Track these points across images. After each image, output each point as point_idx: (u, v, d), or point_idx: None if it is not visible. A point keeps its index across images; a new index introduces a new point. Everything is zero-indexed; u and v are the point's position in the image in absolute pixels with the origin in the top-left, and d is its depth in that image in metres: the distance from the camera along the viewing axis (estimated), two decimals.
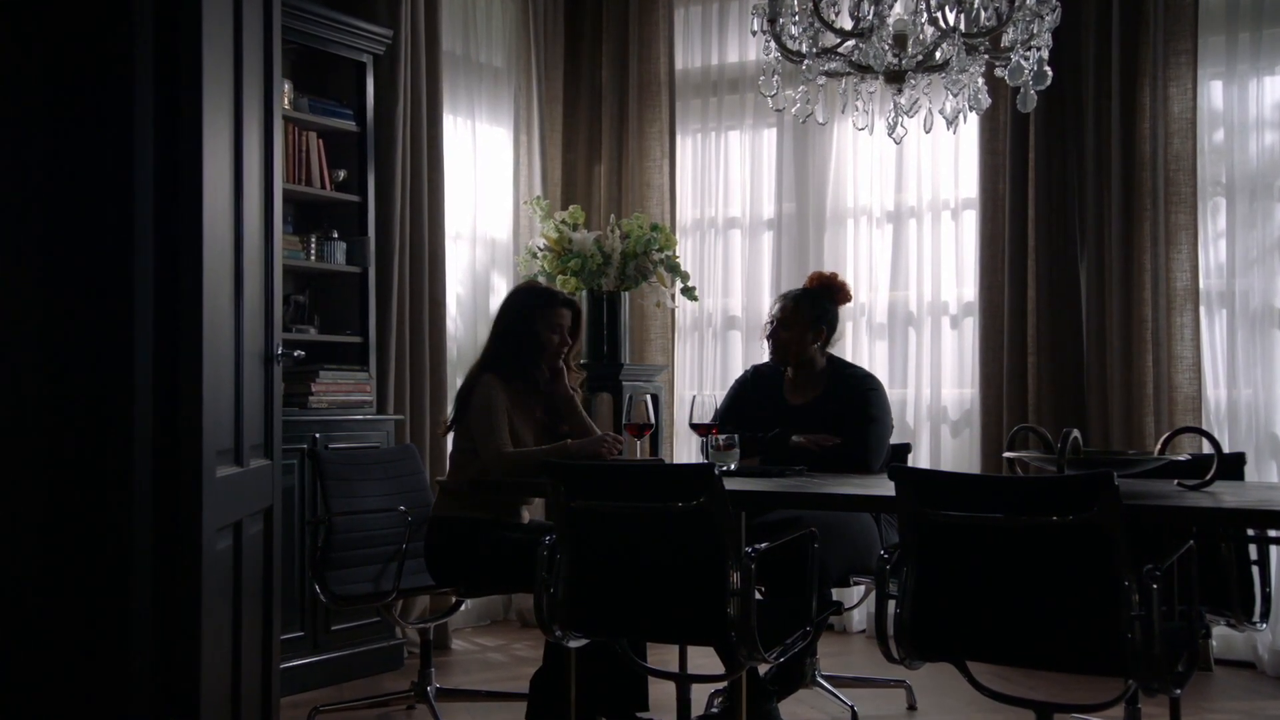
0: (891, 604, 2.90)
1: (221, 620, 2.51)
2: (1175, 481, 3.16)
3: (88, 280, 2.26)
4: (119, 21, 2.30)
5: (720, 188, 6.06)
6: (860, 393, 4.11)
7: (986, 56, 3.58)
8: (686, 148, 6.13)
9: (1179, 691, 2.68)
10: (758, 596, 3.06)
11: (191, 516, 2.28)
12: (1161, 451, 3.23)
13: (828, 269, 5.59)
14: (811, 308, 4.15)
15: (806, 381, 4.18)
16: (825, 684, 4.19)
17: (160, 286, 2.28)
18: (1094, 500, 2.61)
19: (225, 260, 2.55)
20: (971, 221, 5.51)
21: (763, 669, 3.71)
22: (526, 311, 3.91)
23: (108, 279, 2.24)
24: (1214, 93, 5.12)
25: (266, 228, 2.93)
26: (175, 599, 2.28)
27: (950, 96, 3.65)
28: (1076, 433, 3.04)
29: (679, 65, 6.09)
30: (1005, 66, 3.56)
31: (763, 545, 3.04)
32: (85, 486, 2.25)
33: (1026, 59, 3.48)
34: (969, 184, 5.52)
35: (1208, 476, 3.05)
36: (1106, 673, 2.71)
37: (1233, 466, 3.46)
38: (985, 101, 3.66)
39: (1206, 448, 4.71)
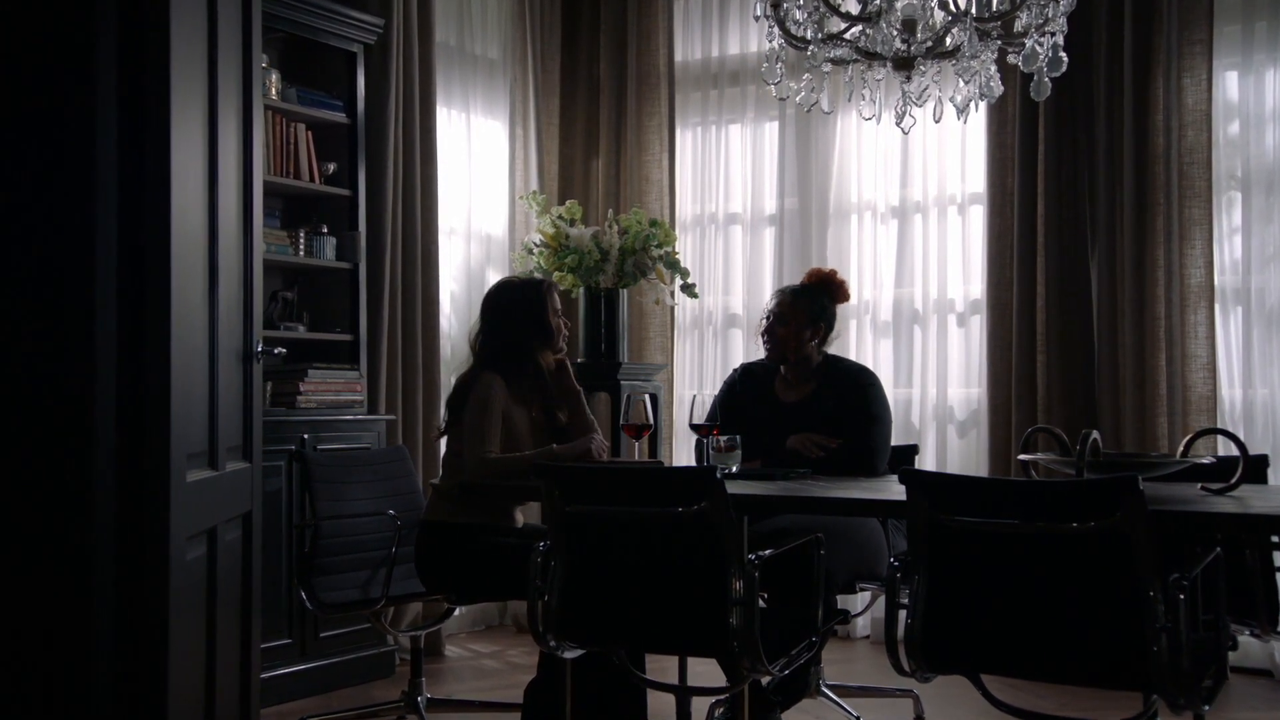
0: (901, 613, 2.77)
1: (193, 632, 2.38)
2: (1199, 485, 3.02)
3: (45, 274, 2.12)
4: (78, 8, 2.15)
5: (721, 182, 5.93)
6: (858, 390, 3.95)
7: (999, 42, 3.44)
8: (686, 141, 6.00)
9: (1207, 708, 2.54)
10: (761, 604, 2.93)
11: (158, 524, 2.14)
12: (1184, 454, 3.09)
13: (831, 265, 5.46)
14: (810, 304, 4.00)
15: (800, 378, 4.03)
16: (830, 693, 4.05)
17: (124, 280, 2.14)
18: (1117, 505, 2.47)
19: (198, 253, 2.41)
20: (979, 217, 5.38)
21: (766, 679, 3.57)
22: (533, 302, 3.79)
23: (67, 272, 2.10)
24: (1229, 84, 4.99)
25: (245, 220, 2.80)
26: (141, 612, 2.14)
27: (961, 84, 3.51)
28: (1096, 434, 2.90)
29: (678, 57, 5.97)
30: (1018, 53, 3.43)
31: (766, 552, 2.91)
32: (40, 493, 2.11)
33: (1041, 44, 3.34)
34: (976, 178, 5.39)
35: (1233, 480, 2.91)
36: (1130, 688, 2.58)
37: (1256, 469, 3.32)
38: (997, 89, 3.52)
39: (1222, 449, 4.62)
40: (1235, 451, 2.99)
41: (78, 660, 2.09)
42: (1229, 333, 4.95)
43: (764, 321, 4.04)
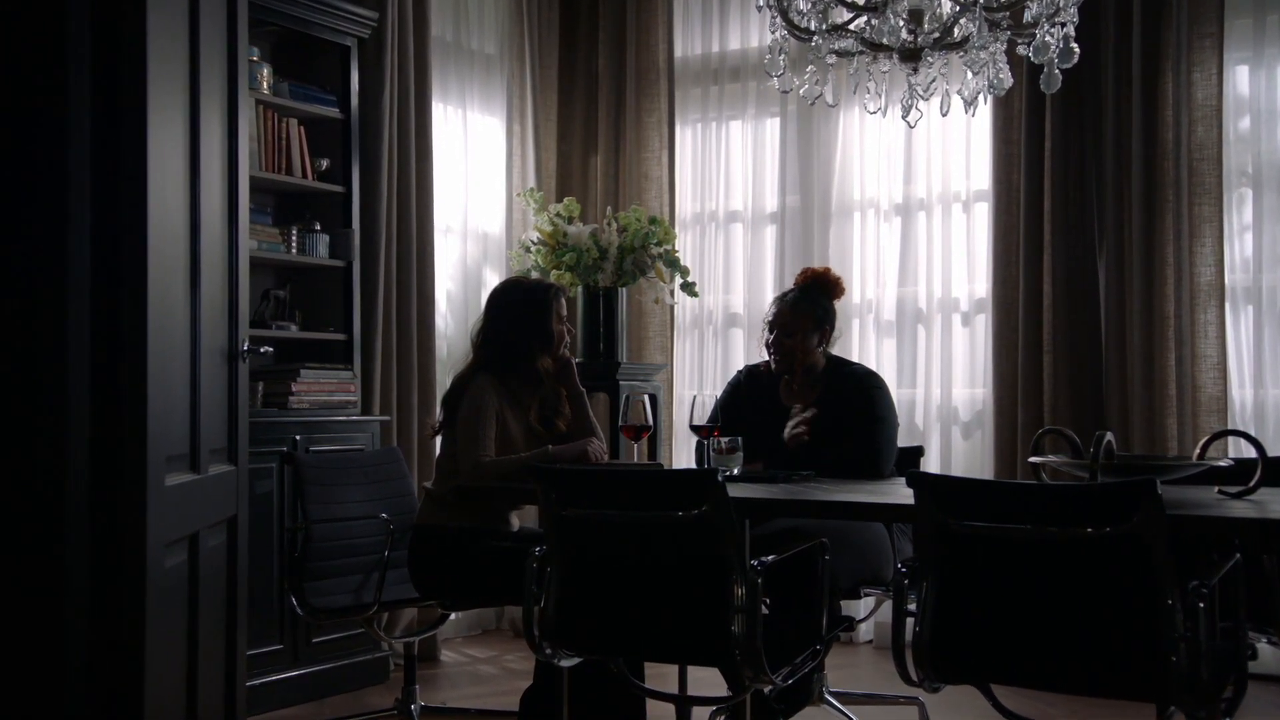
0: (909, 621, 2.67)
1: (173, 642, 2.28)
2: (1215, 489, 2.93)
3: (14, 268, 2.02)
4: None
5: (721, 180, 5.84)
6: (863, 392, 3.86)
7: (1008, 33, 3.35)
8: (686, 138, 5.91)
9: None
10: (763, 611, 2.83)
11: (135, 530, 2.04)
12: (1200, 456, 2.99)
13: (834, 263, 5.40)
14: (812, 309, 3.89)
15: (805, 383, 3.93)
16: (833, 701, 3.95)
17: (99, 275, 2.04)
18: (1134, 510, 2.38)
19: (178, 248, 2.32)
20: (984, 214, 5.28)
21: (768, 688, 3.48)
22: (537, 306, 3.69)
23: (38, 266, 2.01)
24: (1240, 78, 4.90)
25: (230, 214, 2.71)
26: (116, 621, 2.04)
27: (969, 76, 3.42)
28: (1110, 436, 2.81)
29: (678, 52, 5.88)
30: (1028, 44, 3.33)
31: (769, 558, 2.81)
32: (8, 496, 2.02)
33: (1052, 35, 3.24)
34: (981, 175, 5.30)
35: (1252, 483, 2.82)
36: (1147, 699, 2.48)
37: (1274, 472, 3.22)
38: (1007, 81, 3.43)
39: (1233, 450, 4.53)
40: (1251, 453, 2.90)
41: (49, 672, 2.00)
42: (1240, 332, 4.86)
43: (768, 333, 3.93)
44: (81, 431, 2.01)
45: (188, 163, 2.40)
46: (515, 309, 3.72)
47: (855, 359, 5.15)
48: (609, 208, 5.60)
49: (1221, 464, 2.94)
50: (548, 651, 2.97)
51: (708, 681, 3.58)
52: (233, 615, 2.68)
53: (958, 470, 5.26)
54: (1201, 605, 2.36)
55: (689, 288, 5.30)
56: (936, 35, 3.33)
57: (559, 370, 3.73)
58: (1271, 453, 4.24)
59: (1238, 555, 2.59)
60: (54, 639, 1.99)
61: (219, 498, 2.58)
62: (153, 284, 2.10)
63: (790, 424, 3.76)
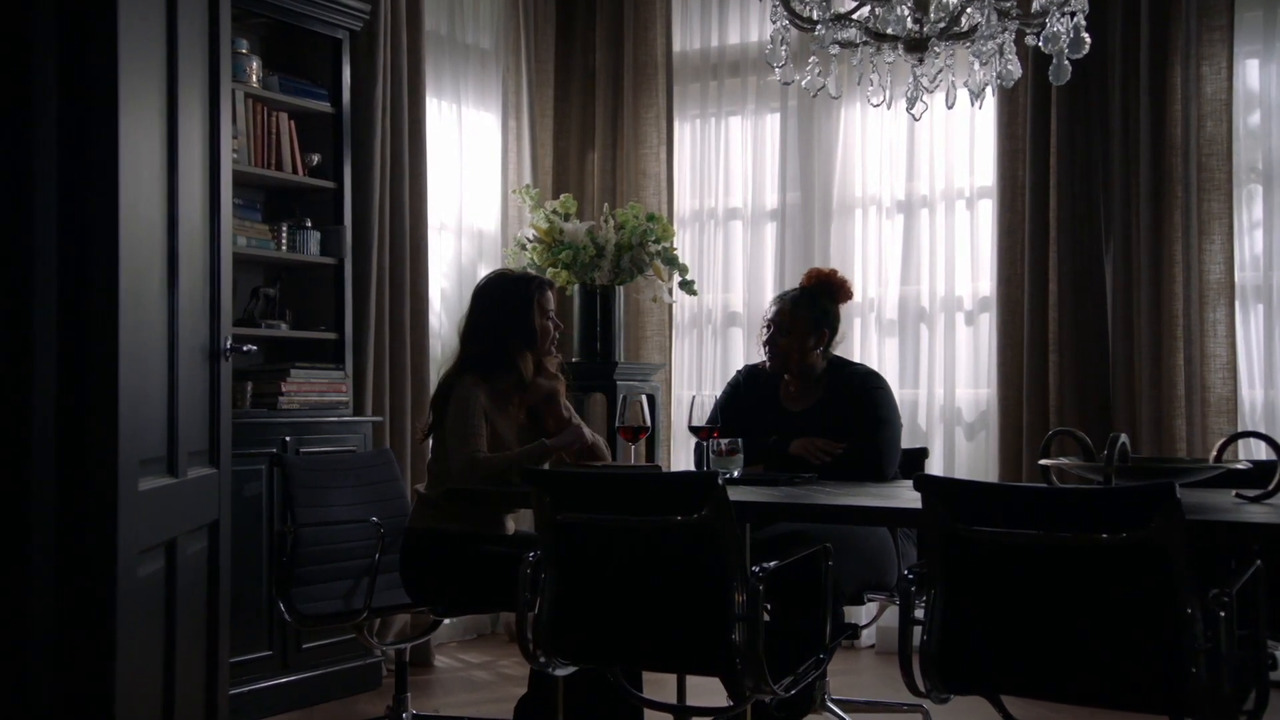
0: (915, 628, 2.58)
1: (148, 653, 2.18)
2: (1233, 493, 2.83)
3: None
4: None
5: (720, 176, 5.74)
6: (865, 393, 3.77)
7: (1017, 22, 3.25)
8: (685, 134, 5.82)
9: None
10: (765, 618, 2.74)
11: (104, 537, 1.94)
12: (1217, 458, 2.90)
13: (835, 262, 5.31)
14: (811, 310, 3.80)
15: (806, 385, 3.84)
16: (835, 708, 3.86)
17: (67, 269, 1.94)
18: (1151, 515, 2.29)
19: (154, 244, 2.21)
20: (988, 211, 5.19)
21: (769, 698, 3.38)
22: (519, 300, 3.57)
23: (1, 261, 1.90)
24: (1250, 72, 4.81)
25: (212, 210, 2.60)
26: (84, 634, 1.94)
27: (977, 67, 3.32)
28: (1125, 438, 2.71)
29: (677, 47, 5.79)
30: (1036, 34, 3.24)
31: (771, 564, 2.71)
32: None
33: (1062, 24, 3.14)
34: (986, 171, 5.20)
35: (1271, 487, 2.72)
36: (1165, 711, 2.39)
37: None
38: (1015, 72, 3.33)
39: (1243, 452, 4.43)
40: (1268, 455, 2.80)
41: (10, 686, 1.90)
42: (1249, 331, 4.78)
43: (765, 331, 3.85)
44: (46, 432, 1.91)
45: (164, 154, 2.30)
46: (499, 303, 3.59)
47: (857, 358, 5.07)
48: (606, 204, 5.50)
49: (1239, 467, 2.84)
50: (542, 660, 2.88)
51: (707, 690, 3.49)
52: (214, 624, 2.58)
53: (961, 472, 5.17)
54: (1223, 614, 2.26)
55: (687, 286, 5.20)
56: (943, 25, 3.24)
57: (542, 400, 3.59)
58: None
59: (1258, 562, 2.49)
60: (16, 651, 1.89)
61: (199, 502, 2.48)
62: (124, 278, 2.00)
63: (814, 444, 3.66)
